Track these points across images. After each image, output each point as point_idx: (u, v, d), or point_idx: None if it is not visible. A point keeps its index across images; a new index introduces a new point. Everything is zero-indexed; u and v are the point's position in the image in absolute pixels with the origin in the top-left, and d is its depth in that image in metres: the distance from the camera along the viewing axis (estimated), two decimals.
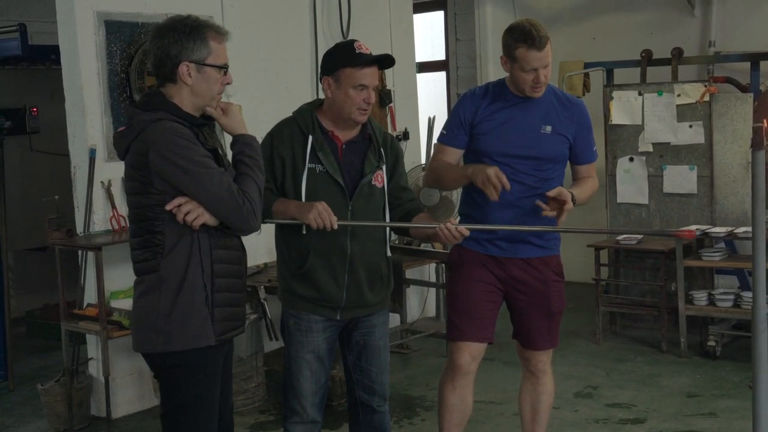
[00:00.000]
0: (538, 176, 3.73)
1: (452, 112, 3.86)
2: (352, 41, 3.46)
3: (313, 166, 3.41)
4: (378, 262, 3.53)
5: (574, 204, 3.63)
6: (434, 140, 6.92)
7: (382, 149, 3.53)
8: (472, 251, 3.80)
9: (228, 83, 3.05)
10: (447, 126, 3.82)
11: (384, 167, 3.52)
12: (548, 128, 3.71)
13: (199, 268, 2.94)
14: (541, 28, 3.61)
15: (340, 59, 3.40)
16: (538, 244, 3.81)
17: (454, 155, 3.81)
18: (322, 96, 3.54)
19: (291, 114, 3.54)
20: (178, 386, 3.00)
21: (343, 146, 3.47)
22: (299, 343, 3.48)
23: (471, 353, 3.79)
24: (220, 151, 3.06)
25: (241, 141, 3.05)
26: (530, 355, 3.96)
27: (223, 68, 3.00)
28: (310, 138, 3.41)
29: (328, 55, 3.49)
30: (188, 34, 2.92)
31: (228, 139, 3.16)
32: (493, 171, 3.48)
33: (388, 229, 3.59)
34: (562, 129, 3.73)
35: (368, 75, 3.38)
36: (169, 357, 2.96)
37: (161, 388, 3.07)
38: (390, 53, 3.49)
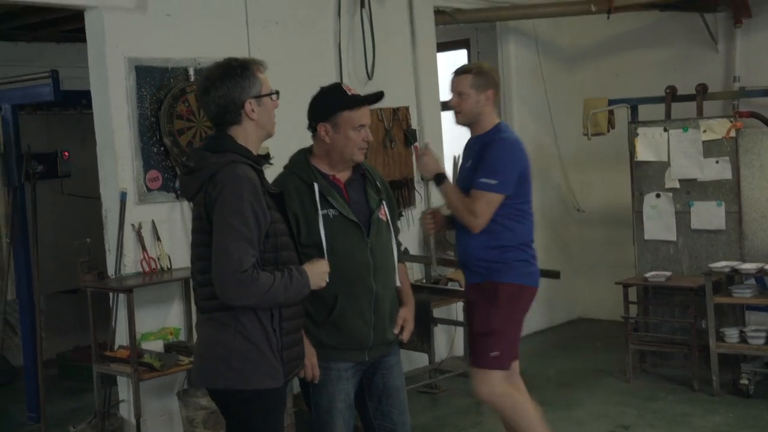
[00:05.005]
0: None
1: None
2: (339, 84, 3.57)
3: (326, 212, 3.44)
4: (394, 296, 3.59)
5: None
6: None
7: (377, 183, 3.60)
8: None
9: (276, 107, 3.17)
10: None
11: (385, 202, 3.59)
12: (469, 162, 4.22)
13: (268, 313, 3.00)
14: (467, 65, 4.33)
15: (335, 104, 3.47)
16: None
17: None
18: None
19: (284, 168, 3.57)
20: (249, 425, 3.05)
21: (346, 187, 3.53)
22: (331, 394, 3.47)
23: None
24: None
25: (302, 269, 3.08)
26: None
27: (275, 93, 3.13)
28: (316, 186, 3.44)
29: (319, 101, 3.53)
30: (241, 75, 3.05)
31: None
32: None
33: (396, 256, 3.62)
34: (475, 161, 4.17)
35: (366, 114, 3.49)
36: (242, 395, 3.00)
37: (229, 425, 3.12)
38: (381, 91, 3.60)
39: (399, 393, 3.61)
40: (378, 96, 3.55)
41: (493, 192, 4.05)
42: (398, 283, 3.62)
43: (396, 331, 3.57)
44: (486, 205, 4.05)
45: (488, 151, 4.12)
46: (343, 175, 3.54)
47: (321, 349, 3.47)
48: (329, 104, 3.47)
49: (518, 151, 4.17)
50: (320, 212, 3.42)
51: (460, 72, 4.26)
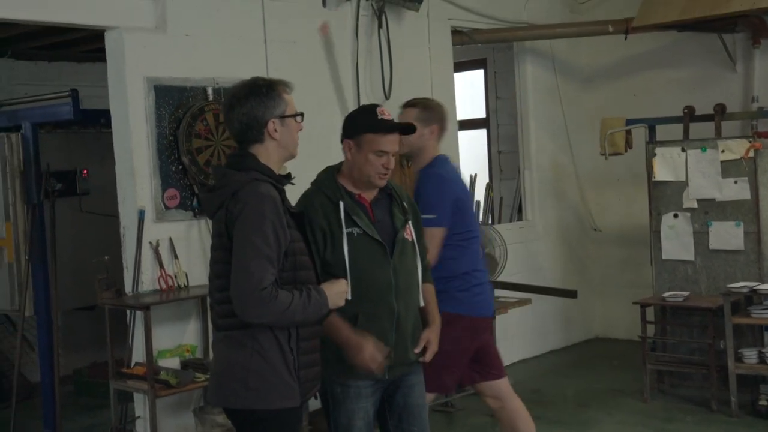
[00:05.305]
0: None
1: None
2: (375, 106, 3.53)
3: (351, 230, 3.43)
4: (417, 316, 3.58)
5: None
6: (476, 198, 6.97)
7: (404, 203, 3.59)
8: None
9: (300, 129, 3.18)
10: None
11: (410, 221, 3.58)
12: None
13: (286, 332, 3.01)
14: (415, 99, 4.47)
15: (363, 124, 3.46)
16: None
17: None
18: None
19: (311, 184, 3.58)
20: None
21: (372, 206, 3.52)
22: (350, 411, 3.45)
23: None
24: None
25: (321, 289, 3.10)
26: None
27: (300, 115, 3.15)
28: (341, 204, 3.44)
29: (351, 118, 3.56)
30: (266, 94, 3.08)
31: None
32: None
33: (420, 277, 3.60)
34: (415, 197, 4.15)
35: (390, 142, 3.45)
36: (259, 414, 3.00)
37: None
38: (413, 125, 3.62)
39: (420, 411, 3.60)
40: (407, 128, 3.57)
41: (434, 226, 4.11)
42: (422, 303, 3.61)
43: (417, 350, 3.56)
44: (430, 239, 4.08)
45: (420, 187, 4.23)
46: (368, 195, 3.53)
47: (341, 366, 3.45)
48: (358, 123, 3.49)
49: (447, 182, 4.25)
50: (345, 231, 3.42)
51: (407, 105, 4.40)
